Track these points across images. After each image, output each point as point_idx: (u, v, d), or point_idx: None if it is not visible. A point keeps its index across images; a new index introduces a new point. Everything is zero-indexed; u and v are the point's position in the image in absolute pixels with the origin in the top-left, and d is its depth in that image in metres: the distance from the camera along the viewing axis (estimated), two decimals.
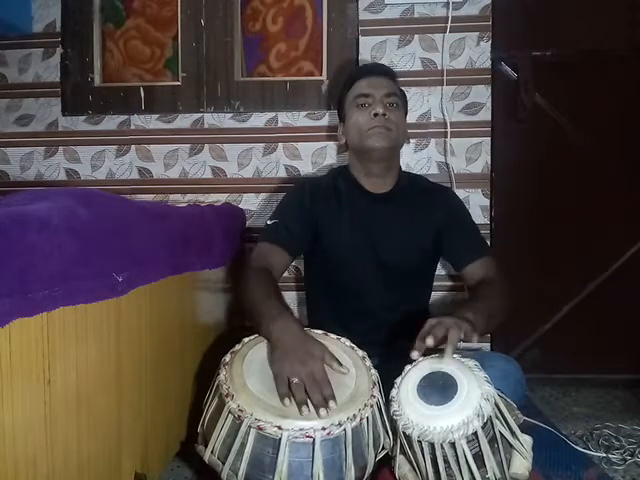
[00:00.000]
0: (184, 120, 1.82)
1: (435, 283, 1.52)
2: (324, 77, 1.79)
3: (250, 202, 1.81)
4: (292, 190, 1.42)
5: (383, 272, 1.34)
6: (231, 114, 1.81)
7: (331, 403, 0.89)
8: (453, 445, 0.88)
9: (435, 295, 1.65)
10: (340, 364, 0.97)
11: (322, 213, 1.34)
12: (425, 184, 1.45)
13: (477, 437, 0.88)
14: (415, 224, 1.36)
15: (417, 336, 0.99)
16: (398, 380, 0.99)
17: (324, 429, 0.86)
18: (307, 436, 0.86)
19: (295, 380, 0.91)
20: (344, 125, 1.38)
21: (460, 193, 1.60)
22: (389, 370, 1.02)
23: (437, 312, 1.68)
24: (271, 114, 1.80)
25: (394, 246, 1.34)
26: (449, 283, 1.75)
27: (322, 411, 0.88)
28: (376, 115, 1.28)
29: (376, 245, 1.34)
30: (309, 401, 0.90)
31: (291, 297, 1.77)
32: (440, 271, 1.66)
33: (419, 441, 0.90)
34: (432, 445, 0.89)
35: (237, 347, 1.03)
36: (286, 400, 0.90)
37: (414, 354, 0.98)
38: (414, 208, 1.37)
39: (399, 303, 1.36)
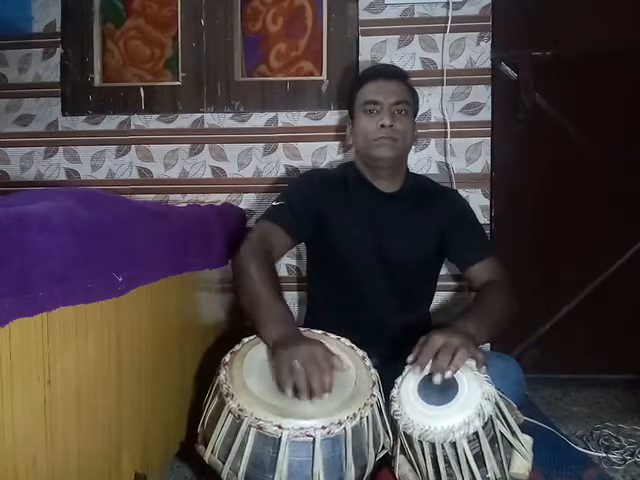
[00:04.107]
0: (184, 120, 1.82)
1: (437, 283, 1.51)
2: (324, 77, 1.79)
3: (250, 202, 1.81)
4: (302, 177, 1.41)
5: (387, 272, 1.34)
6: (231, 114, 1.81)
7: (325, 395, 0.89)
8: (454, 445, 0.88)
9: (437, 295, 1.64)
10: (340, 360, 0.97)
11: (330, 206, 1.33)
12: (430, 185, 1.44)
13: (478, 437, 0.88)
14: (421, 225, 1.35)
15: (418, 348, 0.99)
16: (398, 380, 0.99)
17: (324, 428, 0.86)
18: (307, 435, 0.86)
19: (297, 364, 0.90)
20: (352, 126, 1.38)
21: (460, 193, 1.60)
22: (389, 370, 1.02)
23: (437, 312, 1.70)
24: (271, 114, 1.80)
25: (399, 245, 1.33)
26: (451, 283, 1.75)
27: (316, 399, 0.88)
28: (383, 126, 1.28)
29: (381, 243, 1.33)
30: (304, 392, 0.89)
31: (291, 297, 1.77)
32: (442, 271, 1.65)
33: (420, 441, 0.90)
34: (433, 445, 0.89)
35: (237, 347, 1.03)
36: (288, 391, 0.89)
37: (411, 359, 0.99)
38: (420, 209, 1.36)
39: (401, 303, 1.36)
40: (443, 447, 0.89)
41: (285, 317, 1.04)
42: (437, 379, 0.93)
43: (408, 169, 1.43)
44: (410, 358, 0.99)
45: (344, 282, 1.36)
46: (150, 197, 1.82)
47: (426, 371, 0.96)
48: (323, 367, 0.91)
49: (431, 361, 0.96)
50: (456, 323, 1.05)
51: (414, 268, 1.36)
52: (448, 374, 0.93)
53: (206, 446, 0.93)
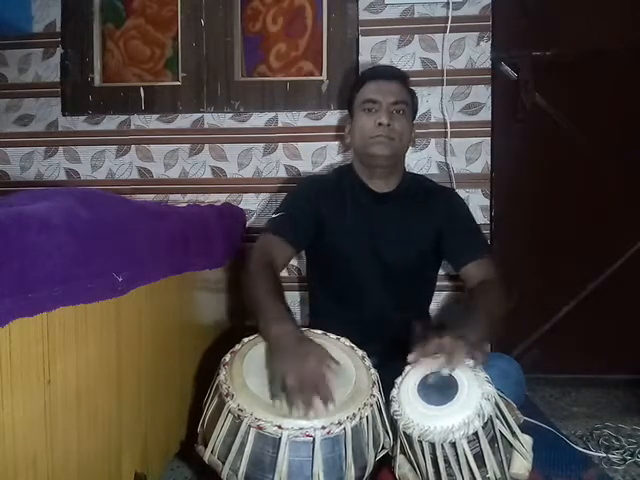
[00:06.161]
0: (184, 120, 1.82)
1: (436, 283, 1.51)
2: (324, 77, 1.79)
3: (250, 202, 1.81)
4: (297, 186, 1.42)
5: (384, 272, 1.34)
6: (231, 114, 1.81)
7: (330, 405, 0.88)
8: (454, 445, 0.88)
9: (436, 295, 1.65)
10: (337, 363, 0.96)
11: (327, 211, 1.34)
12: (428, 185, 1.44)
13: (478, 437, 0.88)
14: (417, 224, 1.36)
15: (419, 347, 0.99)
16: (398, 380, 0.99)
17: (324, 428, 0.86)
18: (307, 435, 0.86)
19: (289, 381, 0.89)
20: (351, 125, 1.39)
21: (460, 193, 1.59)
22: (389, 370, 1.02)
23: (437, 312, 1.70)
24: (271, 114, 1.80)
25: (396, 246, 1.34)
26: (450, 283, 1.75)
27: (311, 413, 0.87)
28: (380, 124, 1.29)
29: (378, 244, 1.34)
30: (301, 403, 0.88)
31: (293, 297, 1.77)
32: (441, 271, 1.65)
33: (419, 441, 0.90)
34: (432, 445, 0.89)
35: (237, 347, 1.03)
36: (276, 401, 0.90)
37: (411, 357, 0.98)
38: (417, 208, 1.37)
39: (400, 303, 1.36)
40: (443, 447, 0.89)
41: (281, 315, 1.04)
42: (434, 376, 0.94)
43: (405, 169, 1.44)
44: (410, 358, 0.99)
45: (343, 283, 1.36)
46: (150, 197, 1.82)
47: (426, 370, 0.96)
48: (318, 384, 0.89)
49: (430, 360, 0.96)
50: (457, 330, 1.05)
51: (411, 267, 1.36)
52: (445, 371, 0.93)
53: (206, 446, 0.93)
